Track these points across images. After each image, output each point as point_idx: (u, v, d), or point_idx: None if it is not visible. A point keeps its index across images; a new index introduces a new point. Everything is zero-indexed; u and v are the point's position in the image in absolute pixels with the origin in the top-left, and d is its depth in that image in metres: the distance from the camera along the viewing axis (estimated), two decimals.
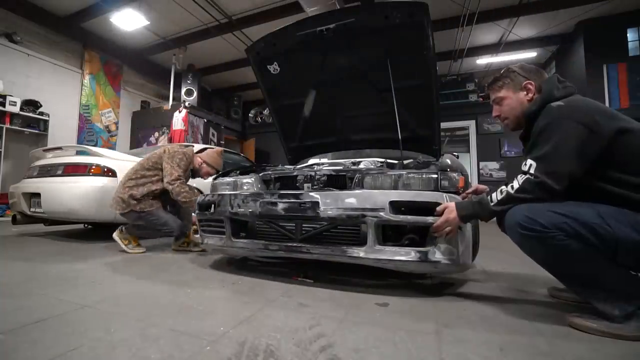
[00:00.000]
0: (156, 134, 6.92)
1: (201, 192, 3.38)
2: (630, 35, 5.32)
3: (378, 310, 1.28)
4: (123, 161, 3.02)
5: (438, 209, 1.31)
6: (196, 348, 0.93)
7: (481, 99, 7.27)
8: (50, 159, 3.19)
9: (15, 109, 4.89)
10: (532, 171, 1.12)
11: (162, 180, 2.40)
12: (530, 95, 1.30)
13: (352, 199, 1.48)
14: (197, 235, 2.18)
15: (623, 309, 1.04)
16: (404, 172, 1.57)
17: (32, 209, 2.99)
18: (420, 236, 1.43)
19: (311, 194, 1.56)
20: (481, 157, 7.37)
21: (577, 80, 5.72)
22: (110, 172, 2.85)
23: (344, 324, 1.14)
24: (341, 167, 1.89)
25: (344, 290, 1.54)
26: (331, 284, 1.62)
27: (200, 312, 1.24)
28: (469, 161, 7.51)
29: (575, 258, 1.06)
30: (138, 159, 3.15)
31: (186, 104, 6.81)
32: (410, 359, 0.90)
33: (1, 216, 4.64)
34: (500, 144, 7.14)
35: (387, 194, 1.44)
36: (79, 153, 3.23)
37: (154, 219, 2.36)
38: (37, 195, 2.88)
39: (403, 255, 1.39)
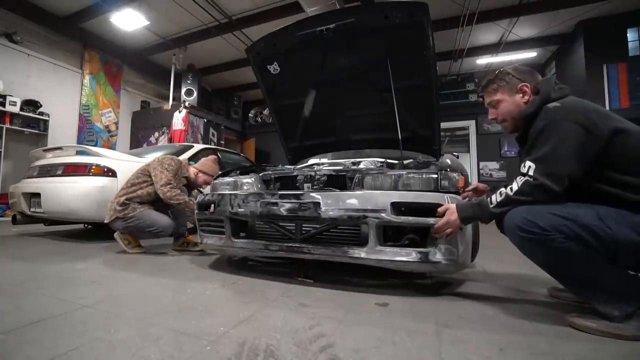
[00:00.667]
0: (156, 134, 6.91)
1: (201, 192, 3.40)
2: (630, 35, 5.31)
3: (378, 310, 1.28)
4: (123, 161, 3.02)
5: (439, 210, 1.31)
6: (196, 348, 0.93)
7: (481, 99, 7.24)
8: (50, 159, 3.19)
9: (15, 109, 4.90)
10: (531, 173, 1.12)
11: (151, 186, 2.40)
12: (526, 97, 1.29)
13: (353, 200, 1.48)
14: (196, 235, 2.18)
15: (623, 309, 1.04)
16: (404, 172, 1.57)
17: (32, 209, 2.99)
18: (420, 236, 1.43)
19: (312, 194, 1.55)
20: (481, 157, 7.38)
21: (577, 80, 5.72)
22: (110, 172, 2.85)
23: (344, 324, 1.14)
24: (341, 167, 1.89)
25: (344, 290, 1.54)
26: (331, 284, 1.62)
27: (200, 312, 1.24)
28: (469, 161, 7.52)
29: (575, 260, 1.06)
30: (138, 159, 3.16)
31: (186, 104, 6.81)
32: (410, 359, 0.90)
33: (1, 216, 4.64)
34: (500, 144, 7.14)
35: (388, 195, 1.44)
36: (79, 153, 3.23)
37: (139, 222, 2.34)
38: (37, 195, 2.88)
39: (404, 255, 1.40)
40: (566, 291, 1.44)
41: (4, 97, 4.77)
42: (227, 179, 2.07)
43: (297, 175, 1.83)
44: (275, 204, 1.60)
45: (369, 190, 1.58)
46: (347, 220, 1.48)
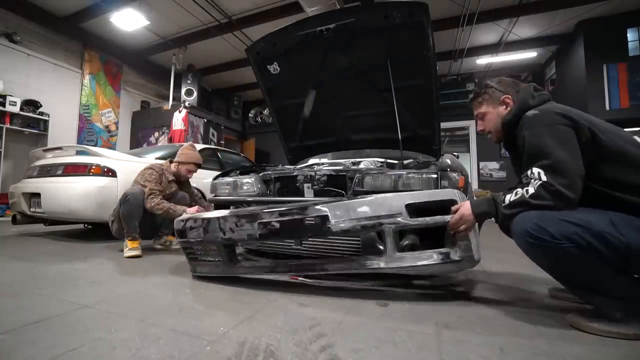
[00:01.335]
0: (156, 134, 6.92)
1: (201, 192, 3.40)
2: (630, 35, 5.31)
3: (378, 311, 1.28)
4: (123, 161, 3.02)
5: (453, 208, 1.29)
6: (196, 348, 0.93)
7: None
8: (50, 159, 3.19)
9: (15, 109, 4.90)
10: (544, 178, 1.08)
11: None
12: (509, 109, 1.33)
13: (365, 207, 1.36)
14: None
15: (625, 310, 1.04)
16: (404, 172, 1.56)
17: (32, 209, 2.99)
18: (425, 237, 1.41)
19: (318, 207, 1.40)
20: (481, 157, 7.38)
21: (577, 80, 5.72)
22: (110, 172, 2.85)
23: (344, 324, 1.14)
24: (341, 167, 1.89)
25: (344, 290, 1.54)
26: (331, 283, 1.62)
27: (200, 312, 1.24)
28: (469, 161, 7.52)
29: (583, 267, 1.05)
30: (138, 159, 3.16)
31: (186, 104, 6.81)
32: (410, 359, 0.90)
33: (1, 216, 4.64)
34: (500, 144, 7.13)
35: (401, 197, 1.36)
36: (79, 153, 3.23)
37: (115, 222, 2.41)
38: (37, 195, 2.88)
39: (426, 259, 1.34)
40: (567, 291, 1.43)
41: (4, 97, 4.77)
42: (227, 179, 2.07)
43: (297, 175, 1.83)
44: (277, 224, 1.44)
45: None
46: (361, 230, 1.38)
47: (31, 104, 5.16)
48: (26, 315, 1.14)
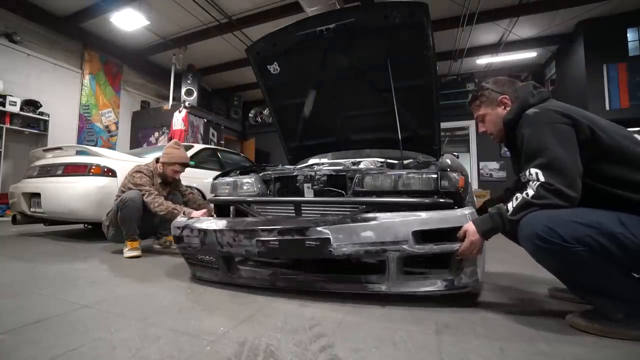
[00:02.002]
0: (156, 134, 6.92)
1: (201, 192, 3.40)
2: (630, 35, 5.31)
3: (378, 311, 1.28)
4: (123, 161, 3.02)
5: (458, 234, 1.25)
6: (196, 348, 0.93)
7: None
8: (50, 159, 3.19)
9: (15, 109, 4.90)
10: (542, 179, 1.08)
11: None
12: (507, 109, 1.33)
13: (369, 232, 1.31)
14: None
15: (627, 311, 1.04)
16: (404, 172, 1.56)
17: (32, 209, 2.99)
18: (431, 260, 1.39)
19: (319, 229, 1.35)
20: (481, 157, 7.38)
21: (577, 80, 5.72)
22: (110, 172, 2.85)
23: (344, 324, 1.14)
24: (341, 167, 1.89)
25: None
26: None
27: (200, 312, 1.24)
28: (469, 161, 7.52)
29: (592, 269, 1.03)
30: (138, 159, 3.16)
31: (186, 104, 6.81)
32: (410, 359, 0.90)
33: (1, 216, 4.64)
34: (500, 144, 7.14)
35: (408, 224, 1.29)
36: (79, 153, 3.23)
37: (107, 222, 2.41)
38: (37, 195, 2.89)
39: (429, 286, 1.32)
40: (567, 292, 1.44)
41: (4, 97, 4.77)
42: (227, 179, 2.07)
43: (297, 175, 1.83)
44: (276, 242, 1.39)
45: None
46: (363, 256, 1.35)
47: (31, 104, 5.16)
48: (26, 315, 1.14)
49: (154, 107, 7.40)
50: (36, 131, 5.25)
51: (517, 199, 1.14)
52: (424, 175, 1.50)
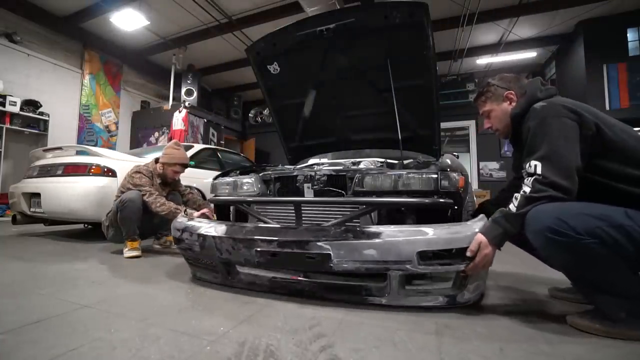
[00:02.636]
0: (156, 134, 6.92)
1: (201, 192, 3.40)
2: (630, 35, 5.31)
3: (378, 311, 1.28)
4: (123, 161, 3.02)
5: (470, 252, 1.19)
6: (196, 348, 0.93)
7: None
8: (50, 159, 3.19)
9: (15, 109, 4.90)
10: (539, 171, 1.09)
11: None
12: (513, 104, 1.34)
13: (371, 250, 1.27)
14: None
15: (629, 311, 1.04)
16: (404, 172, 1.56)
17: (32, 209, 2.99)
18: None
19: (320, 244, 1.32)
20: (481, 157, 7.38)
21: (577, 80, 5.72)
22: (110, 172, 2.85)
23: (344, 324, 1.14)
24: (341, 167, 1.89)
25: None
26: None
27: (200, 312, 1.24)
28: (469, 161, 7.52)
29: (601, 264, 1.02)
30: (138, 159, 3.16)
31: (186, 104, 6.81)
32: (410, 359, 0.90)
33: (1, 216, 4.64)
34: (500, 144, 7.14)
35: (413, 243, 1.24)
36: (79, 153, 3.23)
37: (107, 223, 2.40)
38: (37, 195, 2.89)
39: (430, 301, 1.31)
40: (566, 291, 1.44)
41: (4, 97, 4.77)
42: (227, 179, 2.07)
43: (297, 175, 1.83)
44: (275, 254, 1.38)
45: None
46: (364, 273, 1.34)
47: (31, 104, 5.16)
48: (26, 315, 1.14)
49: (154, 107, 7.40)
50: (36, 131, 5.25)
51: (516, 199, 1.15)
52: (424, 175, 1.50)
